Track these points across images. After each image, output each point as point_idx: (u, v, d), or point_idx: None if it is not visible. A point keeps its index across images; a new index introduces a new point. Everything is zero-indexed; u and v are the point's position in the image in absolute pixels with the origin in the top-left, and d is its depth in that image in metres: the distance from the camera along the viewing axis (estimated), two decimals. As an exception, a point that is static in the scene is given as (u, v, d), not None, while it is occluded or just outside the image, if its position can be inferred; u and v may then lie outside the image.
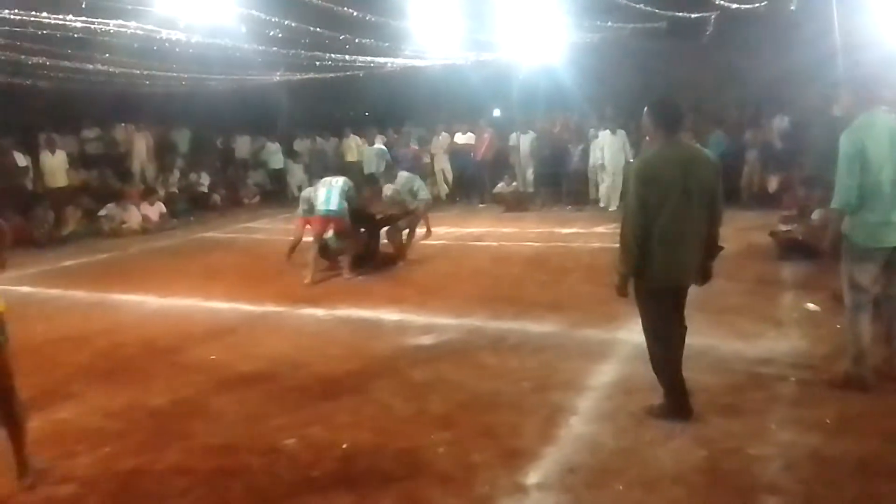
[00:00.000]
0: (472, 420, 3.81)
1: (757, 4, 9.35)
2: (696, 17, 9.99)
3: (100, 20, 6.89)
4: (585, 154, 12.65)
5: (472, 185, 14.23)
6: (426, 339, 5.30)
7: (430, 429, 3.72)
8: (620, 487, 3.05)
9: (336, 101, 16.76)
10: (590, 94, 14.12)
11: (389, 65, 11.34)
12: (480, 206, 13.66)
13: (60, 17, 6.42)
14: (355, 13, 7.81)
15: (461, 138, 14.22)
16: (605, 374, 4.40)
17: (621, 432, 3.58)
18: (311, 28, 8.41)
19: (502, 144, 13.73)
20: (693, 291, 3.81)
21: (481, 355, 4.88)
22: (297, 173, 15.80)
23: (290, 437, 3.66)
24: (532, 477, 3.16)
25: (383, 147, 13.43)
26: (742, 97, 13.80)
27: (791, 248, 7.28)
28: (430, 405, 4.04)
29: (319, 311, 6.23)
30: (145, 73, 11.23)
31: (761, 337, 4.99)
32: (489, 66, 13.54)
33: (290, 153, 16.40)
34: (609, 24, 9.94)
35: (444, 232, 10.17)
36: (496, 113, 17.07)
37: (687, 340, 3.84)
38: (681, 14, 9.56)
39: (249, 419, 3.94)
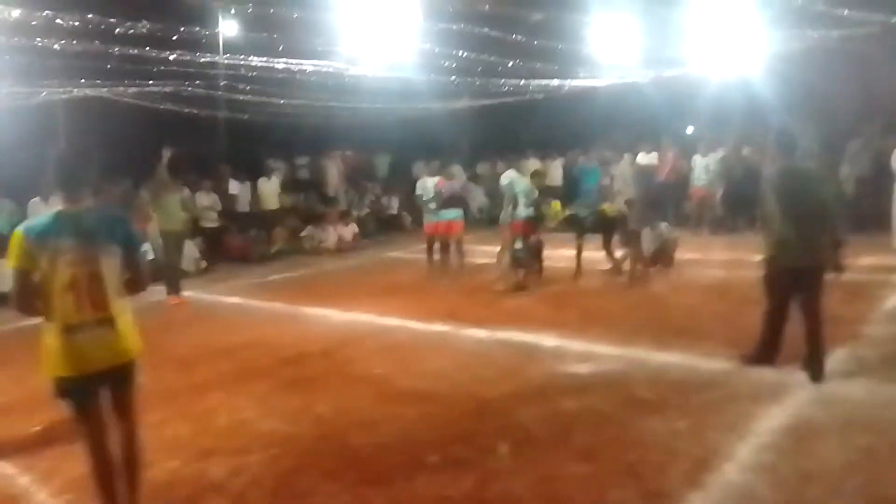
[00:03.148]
0: (616, 456, 3.69)
1: None
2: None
3: (297, 61, 7.77)
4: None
5: (654, 207, 13.64)
6: (582, 368, 5.21)
7: (570, 460, 3.67)
8: (769, 546, 2.79)
9: (518, 124, 17.05)
10: (796, 106, 12.93)
11: (567, 87, 11.34)
12: (672, 229, 13.04)
13: (265, 59, 7.36)
14: (524, 39, 7.97)
15: (644, 159, 13.73)
16: (773, 419, 4.02)
17: (781, 485, 3.26)
18: (484, 56, 8.73)
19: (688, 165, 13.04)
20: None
21: (638, 389, 4.69)
22: (478, 196, 16.27)
23: (433, 455, 3.81)
24: (670, 522, 3.00)
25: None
26: None
27: None
28: (574, 436, 3.98)
29: (481, 332, 6.38)
30: (348, 105, 12.36)
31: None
32: (676, 83, 12.96)
33: (472, 177, 16.94)
34: (808, 32, 9.07)
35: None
36: (690, 130, 16.26)
37: (872, 386, 3.67)
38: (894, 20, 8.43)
39: (401, 433, 4.17)
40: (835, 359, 4.95)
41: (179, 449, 4.06)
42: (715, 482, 3.33)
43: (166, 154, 8.42)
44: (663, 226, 9.04)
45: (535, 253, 8.76)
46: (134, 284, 3.10)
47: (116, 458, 3.05)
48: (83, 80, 9.49)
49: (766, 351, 4.90)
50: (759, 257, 9.55)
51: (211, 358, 5.97)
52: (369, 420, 4.39)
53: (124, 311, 3.02)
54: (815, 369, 4.60)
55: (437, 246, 9.54)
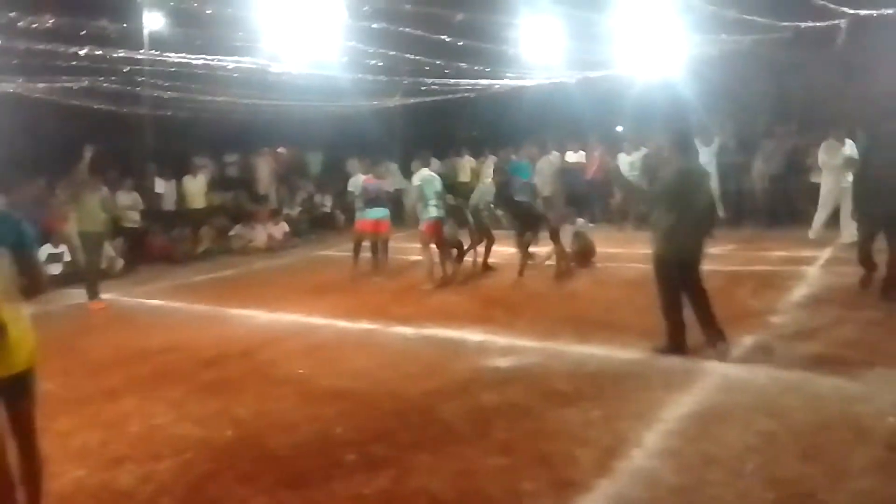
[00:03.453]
0: (532, 447, 3.77)
1: (893, 10, 8.50)
2: (824, 25, 9.23)
3: (219, 57, 7.58)
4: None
5: (581, 204, 13.96)
6: (504, 362, 5.29)
7: (487, 454, 3.72)
8: (669, 529, 2.91)
9: (452, 123, 17.19)
10: (715, 106, 13.50)
11: (496, 87, 11.48)
12: (590, 225, 13.35)
13: (183, 56, 7.14)
14: (451, 40, 8.03)
15: (572, 157, 14.03)
16: (682, 406, 4.19)
17: (685, 469, 3.40)
18: (412, 56, 8.75)
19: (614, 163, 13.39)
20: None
21: (556, 381, 4.80)
22: (413, 193, 16.25)
23: (352, 454, 3.79)
24: (578, 510, 3.08)
25: None
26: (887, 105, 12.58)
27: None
28: (492, 430, 4.03)
29: (408, 330, 6.39)
30: (279, 102, 12.12)
31: (867, 373, 4.54)
32: (602, 84, 13.29)
33: (407, 174, 16.92)
34: (723, 36, 9.46)
35: (545, 252, 10.04)
36: (619, 129, 16.77)
37: (775, 373, 4.39)
38: (806, 25, 8.86)
39: (320, 434, 4.12)
40: (742, 347, 5.21)
41: (87, 457, 3.91)
42: (622, 469, 3.45)
43: (88, 152, 8.06)
44: (580, 222, 9.28)
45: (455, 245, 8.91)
46: (30, 289, 2.94)
47: (15, 471, 2.91)
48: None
49: (674, 341, 5.19)
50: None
51: (126, 362, 5.77)
52: (288, 421, 4.34)
53: (18, 317, 2.87)
54: (719, 348, 4.99)
55: (366, 244, 9.51)
